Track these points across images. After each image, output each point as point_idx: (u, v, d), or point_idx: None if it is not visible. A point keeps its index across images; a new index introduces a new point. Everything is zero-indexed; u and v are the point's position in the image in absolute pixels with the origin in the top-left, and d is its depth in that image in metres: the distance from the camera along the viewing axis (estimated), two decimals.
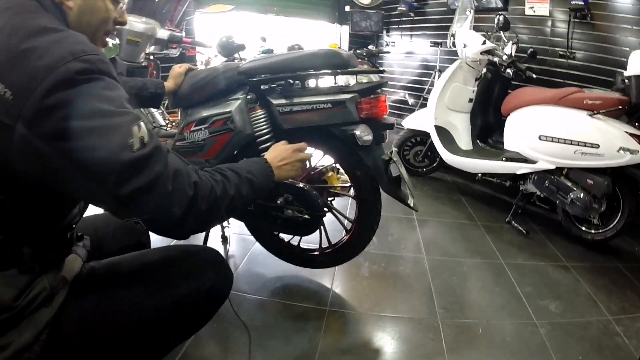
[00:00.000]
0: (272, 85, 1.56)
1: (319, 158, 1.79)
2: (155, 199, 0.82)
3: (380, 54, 4.96)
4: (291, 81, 1.55)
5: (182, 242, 1.98)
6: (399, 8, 4.67)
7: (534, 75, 2.96)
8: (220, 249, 2.31)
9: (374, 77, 1.59)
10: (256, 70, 1.58)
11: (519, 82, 3.33)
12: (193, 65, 1.88)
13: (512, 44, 3.17)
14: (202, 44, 2.28)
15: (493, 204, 3.19)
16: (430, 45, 4.40)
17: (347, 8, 4.97)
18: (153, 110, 2.29)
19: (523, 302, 1.97)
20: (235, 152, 1.74)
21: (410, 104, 4.82)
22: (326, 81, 1.59)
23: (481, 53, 3.03)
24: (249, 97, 1.60)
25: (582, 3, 3.31)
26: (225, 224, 2.35)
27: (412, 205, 1.66)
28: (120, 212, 0.83)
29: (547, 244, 2.60)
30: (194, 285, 1.03)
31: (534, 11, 3.78)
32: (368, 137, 1.51)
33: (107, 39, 1.04)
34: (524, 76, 2.99)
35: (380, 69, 1.59)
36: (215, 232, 2.35)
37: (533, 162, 2.70)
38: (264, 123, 1.60)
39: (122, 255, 1.10)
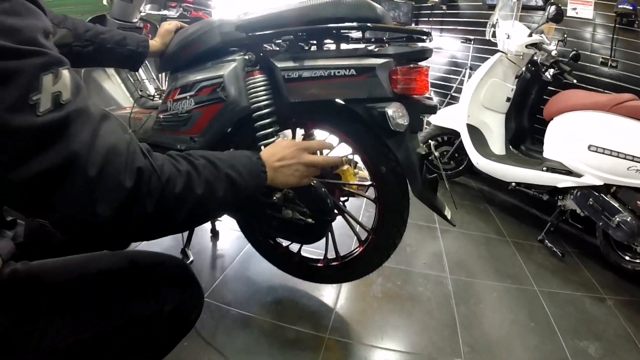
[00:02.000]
0: (278, 41, 1.11)
1: (333, 147, 1.34)
2: (71, 190, 0.53)
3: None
4: (303, 38, 1.10)
5: (142, 245, 1.62)
6: (430, 0, 4.18)
7: (574, 81, 2.54)
8: (207, 245, 1.88)
9: None
10: (258, 23, 1.14)
11: (555, 87, 2.86)
12: (185, 24, 1.45)
13: (558, 41, 2.69)
14: (205, 4, 1.85)
15: (522, 218, 2.73)
16: (462, 42, 3.92)
17: None
18: (144, 74, 1.87)
19: (560, 342, 1.56)
20: (228, 130, 1.31)
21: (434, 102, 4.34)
22: (349, 43, 1.15)
23: (527, 46, 2.55)
24: (247, 57, 1.15)
25: (631, 8, 2.84)
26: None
27: (449, 217, 1.21)
28: (18, 205, 0.59)
29: (581, 270, 2.17)
30: (150, 308, 0.76)
31: (577, 13, 3.27)
32: (403, 120, 1.05)
33: None
34: (563, 80, 2.58)
35: (426, 29, 1.13)
36: (202, 227, 1.93)
37: (578, 175, 2.23)
38: (263, 92, 1.16)
39: (65, 257, 0.80)
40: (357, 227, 1.41)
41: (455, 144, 2.94)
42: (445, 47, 4.29)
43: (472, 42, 3.80)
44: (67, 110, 0.53)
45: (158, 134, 1.48)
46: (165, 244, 1.85)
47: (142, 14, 1.76)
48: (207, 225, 1.96)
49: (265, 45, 1.18)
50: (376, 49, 1.09)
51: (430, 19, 4.43)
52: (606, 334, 1.66)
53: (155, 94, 1.79)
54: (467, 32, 3.96)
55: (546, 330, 1.61)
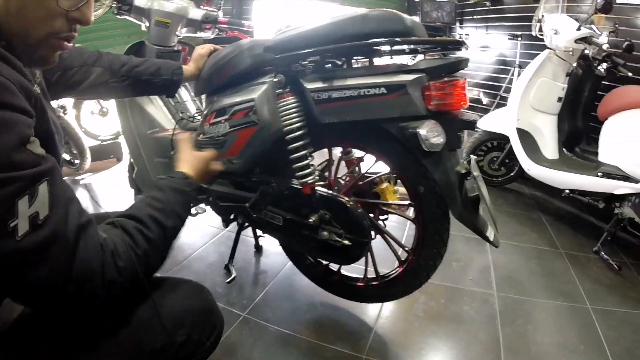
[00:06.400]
0: (304, 62, 1.09)
1: (370, 164, 1.32)
2: (52, 299, 0.59)
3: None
4: (331, 56, 1.09)
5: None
6: None
7: (630, 74, 2.34)
8: (251, 260, 1.90)
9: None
10: (286, 43, 1.13)
11: (610, 82, 2.65)
12: (219, 46, 1.47)
13: (610, 32, 2.49)
14: (239, 24, 1.87)
15: (578, 227, 2.53)
16: (509, 38, 3.72)
17: None
18: (185, 96, 1.92)
19: None
20: (264, 151, 1.31)
21: (484, 103, 4.16)
22: (381, 57, 1.11)
23: (576, 41, 2.37)
24: (276, 79, 1.15)
25: None
26: (259, 232, 1.93)
27: (492, 239, 1.14)
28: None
29: None
30: (160, 340, 0.75)
31: None
32: (438, 139, 1.00)
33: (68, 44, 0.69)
34: (618, 74, 2.39)
35: (461, 39, 1.07)
36: (246, 241, 1.95)
37: (636, 180, 2.04)
38: (295, 115, 1.15)
39: None
40: (397, 247, 1.37)
41: (506, 150, 2.79)
42: (492, 45, 4.13)
43: (520, 39, 3.61)
44: (45, 232, 0.56)
45: None
46: (210, 260, 1.88)
47: (179, 36, 1.80)
48: (251, 241, 1.98)
49: (296, 65, 1.16)
50: (410, 63, 1.05)
51: (475, 17, 4.27)
52: None
53: (196, 114, 1.83)
54: (513, 28, 3.77)
55: (597, 354, 1.47)
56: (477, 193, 1.12)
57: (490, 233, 1.15)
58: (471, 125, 1.08)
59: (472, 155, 1.20)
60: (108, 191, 2.78)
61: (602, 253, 2.12)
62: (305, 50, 1.07)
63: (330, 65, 1.21)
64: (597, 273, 2.02)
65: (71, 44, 0.70)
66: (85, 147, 2.88)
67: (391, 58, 1.11)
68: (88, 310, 0.66)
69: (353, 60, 1.21)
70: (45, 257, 0.56)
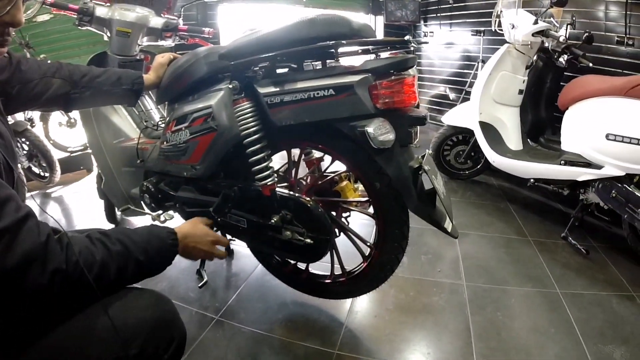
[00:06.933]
0: (255, 69, 1.13)
1: (329, 163, 1.36)
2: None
3: (418, 45, 4.41)
4: (283, 60, 1.14)
5: None
6: None
7: (590, 64, 2.42)
8: (222, 264, 1.93)
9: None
10: (238, 50, 1.16)
11: (572, 72, 2.75)
12: (178, 54, 1.49)
13: (567, 25, 2.59)
14: (199, 31, 1.89)
15: (546, 214, 2.61)
16: (472, 34, 3.84)
17: None
18: (148, 104, 1.93)
19: (582, 349, 1.46)
20: (224, 156, 1.33)
21: (451, 98, 4.27)
22: (333, 59, 1.15)
23: (533, 34, 2.47)
24: (231, 86, 1.18)
25: None
26: (229, 236, 1.95)
27: (449, 230, 1.18)
28: None
29: (609, 267, 2.02)
30: (109, 353, 0.73)
31: None
32: (386, 136, 1.05)
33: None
34: (579, 65, 2.46)
35: (406, 38, 1.11)
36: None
37: (598, 167, 2.11)
38: (251, 119, 1.18)
39: None
40: (362, 245, 1.41)
41: (471, 143, 2.87)
42: (456, 41, 4.23)
43: (483, 34, 3.72)
44: None
45: (163, 163, 1.53)
46: (182, 265, 1.89)
47: (141, 45, 1.81)
48: None
49: (249, 71, 1.19)
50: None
51: (439, 14, 4.37)
52: (634, 335, 1.55)
53: (160, 122, 1.84)
54: (476, 24, 3.89)
55: (568, 336, 1.53)
56: (432, 187, 1.16)
57: (448, 224, 1.19)
58: (421, 121, 1.12)
59: (428, 151, 1.25)
60: (80, 203, 2.76)
61: (570, 238, 2.19)
62: (256, 57, 1.11)
63: (287, 69, 1.24)
64: (565, 258, 2.08)
65: (5, 49, 0.71)
66: (55, 159, 2.85)
67: (337, 60, 1.14)
68: (36, 304, 0.67)
69: (309, 64, 1.25)
70: None
